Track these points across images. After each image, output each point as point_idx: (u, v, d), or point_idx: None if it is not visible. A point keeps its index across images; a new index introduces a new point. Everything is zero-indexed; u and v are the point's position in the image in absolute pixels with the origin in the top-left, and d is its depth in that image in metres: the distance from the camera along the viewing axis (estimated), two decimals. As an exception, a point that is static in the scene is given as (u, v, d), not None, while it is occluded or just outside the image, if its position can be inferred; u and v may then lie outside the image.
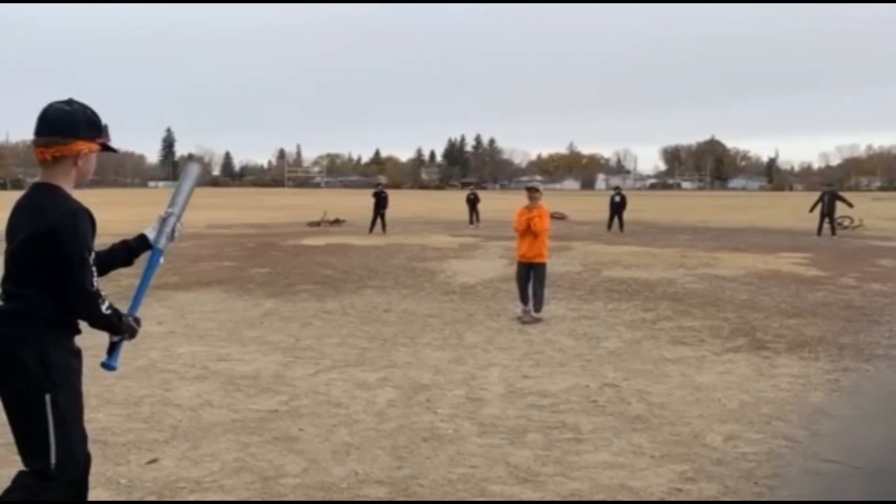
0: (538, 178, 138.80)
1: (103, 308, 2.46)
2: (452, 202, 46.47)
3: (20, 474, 2.50)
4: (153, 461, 4.05)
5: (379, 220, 22.41)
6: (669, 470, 3.99)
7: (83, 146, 2.47)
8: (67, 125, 2.44)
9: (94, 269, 2.43)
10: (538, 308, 8.39)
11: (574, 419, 4.88)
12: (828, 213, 22.05)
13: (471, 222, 26.48)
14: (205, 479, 3.81)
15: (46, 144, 2.43)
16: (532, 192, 8.78)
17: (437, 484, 3.79)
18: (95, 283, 2.44)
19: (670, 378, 5.93)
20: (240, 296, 10.00)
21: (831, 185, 23.93)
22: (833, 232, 21.81)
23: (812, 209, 22.59)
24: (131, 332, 2.61)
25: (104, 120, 2.61)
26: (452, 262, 14.02)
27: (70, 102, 2.51)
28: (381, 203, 22.67)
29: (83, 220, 2.42)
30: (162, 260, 2.76)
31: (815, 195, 24.21)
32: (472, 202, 27.48)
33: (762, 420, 4.88)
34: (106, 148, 2.60)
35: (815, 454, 4.26)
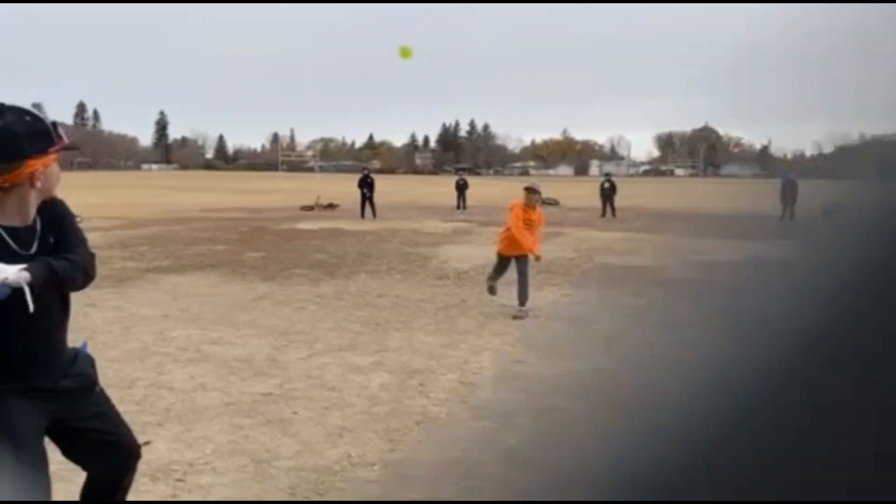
0: (531, 163, 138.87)
1: None
2: (447, 187, 46.40)
3: None
4: (146, 443, 4.06)
5: (368, 205, 22.26)
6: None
7: (36, 164, 2.05)
8: (9, 146, 2.02)
9: None
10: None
11: (566, 404, 4.91)
12: (790, 201, 22.92)
13: (458, 208, 26.46)
14: (198, 462, 3.83)
15: None
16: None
17: (429, 467, 3.82)
18: None
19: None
20: (233, 279, 9.99)
21: (790, 173, 24.88)
22: (791, 217, 22.68)
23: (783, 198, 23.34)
24: None
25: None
26: (446, 248, 14.03)
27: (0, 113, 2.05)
28: (366, 187, 22.53)
29: None
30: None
31: (805, 182, 24.98)
32: (461, 188, 27.41)
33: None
34: (64, 149, 2.19)
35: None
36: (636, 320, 7.59)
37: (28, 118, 2.07)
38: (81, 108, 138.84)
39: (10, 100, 2.11)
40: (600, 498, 0.32)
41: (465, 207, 26.51)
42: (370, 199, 22.27)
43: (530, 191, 8.02)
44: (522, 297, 7.84)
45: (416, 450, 4.05)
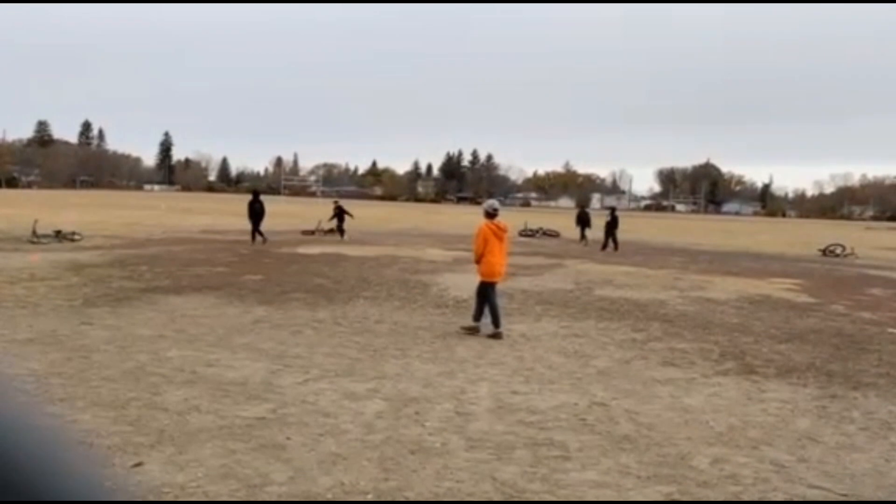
0: (533, 195, 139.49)
1: None
2: (448, 216, 46.55)
3: None
4: (138, 465, 4.03)
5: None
6: (655, 491, 3.99)
7: None
8: None
9: None
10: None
11: (562, 437, 4.88)
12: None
13: (340, 235, 24.71)
14: (189, 485, 3.79)
15: None
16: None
17: (423, 497, 3.78)
18: None
19: (659, 399, 5.94)
20: (231, 302, 9.97)
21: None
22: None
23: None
24: None
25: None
26: (446, 276, 14.02)
27: None
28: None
29: None
30: None
31: (809, 222, 25.25)
32: (339, 214, 25.35)
33: (749, 444, 4.89)
34: None
35: (801, 479, 4.27)
36: (634, 354, 7.58)
37: None
38: (87, 126, 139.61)
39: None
40: None
41: (342, 234, 24.80)
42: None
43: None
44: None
45: (410, 479, 4.01)
